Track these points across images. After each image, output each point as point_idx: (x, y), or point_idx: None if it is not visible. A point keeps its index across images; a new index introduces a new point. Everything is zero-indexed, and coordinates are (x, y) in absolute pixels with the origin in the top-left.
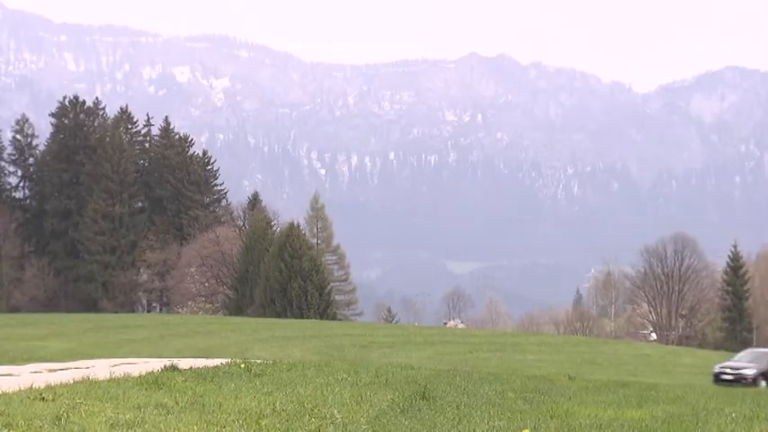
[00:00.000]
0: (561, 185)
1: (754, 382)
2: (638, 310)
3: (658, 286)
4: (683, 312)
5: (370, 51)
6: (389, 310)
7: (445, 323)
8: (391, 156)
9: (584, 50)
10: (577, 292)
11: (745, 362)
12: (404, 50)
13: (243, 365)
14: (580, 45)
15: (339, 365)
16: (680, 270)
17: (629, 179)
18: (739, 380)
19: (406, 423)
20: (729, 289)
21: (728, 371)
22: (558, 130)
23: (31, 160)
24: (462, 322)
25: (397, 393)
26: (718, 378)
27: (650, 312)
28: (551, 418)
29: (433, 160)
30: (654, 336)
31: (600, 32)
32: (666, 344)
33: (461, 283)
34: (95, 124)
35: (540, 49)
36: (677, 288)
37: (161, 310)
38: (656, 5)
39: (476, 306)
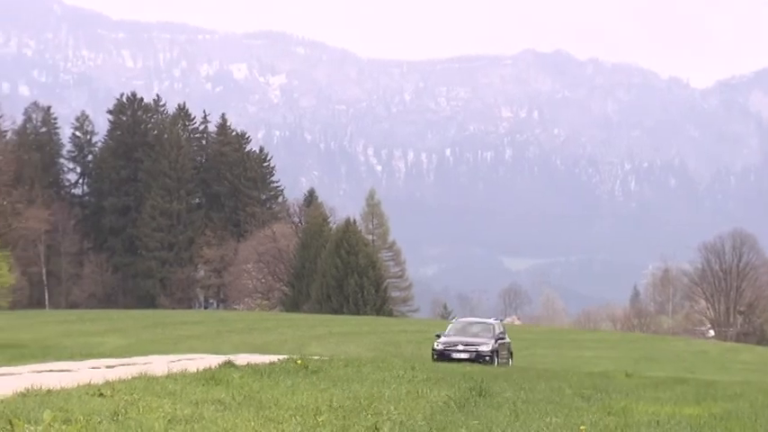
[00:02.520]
0: (618, 182)
1: None
2: (695, 307)
3: (716, 283)
4: (742, 309)
5: (426, 48)
6: (445, 307)
7: (501, 319)
8: (447, 152)
9: (642, 46)
10: (635, 288)
11: None
12: (460, 47)
13: (299, 362)
14: (637, 41)
15: (395, 362)
16: (738, 266)
17: (687, 175)
18: None
19: (463, 420)
20: None
21: None
22: (615, 126)
23: (89, 157)
24: (519, 319)
25: (453, 390)
26: None
27: (708, 309)
28: (609, 414)
29: (489, 156)
30: (712, 332)
31: (657, 28)
32: (724, 340)
33: (518, 280)
34: (153, 121)
35: (598, 45)
36: (735, 284)
37: (218, 306)
38: (714, 0)
39: (532, 303)
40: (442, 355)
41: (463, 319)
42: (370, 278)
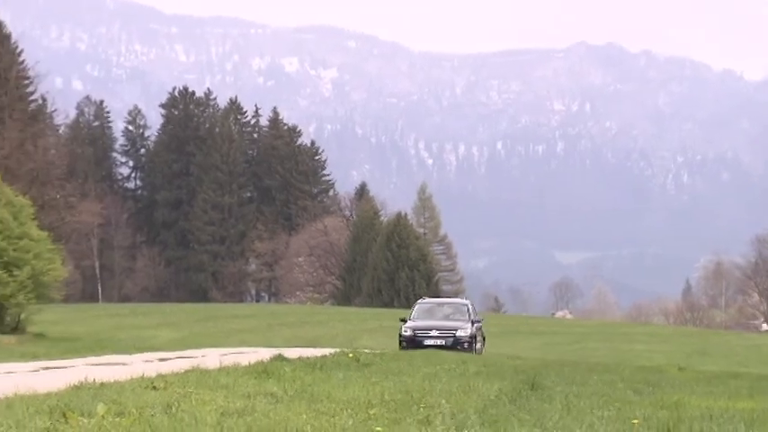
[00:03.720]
0: (671, 175)
1: None
2: (748, 301)
3: None
4: None
5: (478, 41)
6: (497, 300)
7: (553, 313)
8: (499, 145)
9: (695, 38)
10: (687, 282)
11: None
12: (512, 40)
13: (351, 355)
14: (690, 33)
15: (446, 355)
16: None
17: (740, 168)
18: None
19: (515, 413)
20: None
21: None
22: (667, 119)
23: (142, 151)
24: (570, 312)
25: (504, 383)
26: None
27: (761, 303)
28: (661, 408)
29: (540, 150)
30: (765, 326)
31: (711, 20)
32: None
33: (569, 273)
34: (205, 115)
35: (650, 38)
36: None
37: (269, 299)
38: None
39: (584, 296)
40: (413, 342)
41: (430, 300)
42: (421, 272)
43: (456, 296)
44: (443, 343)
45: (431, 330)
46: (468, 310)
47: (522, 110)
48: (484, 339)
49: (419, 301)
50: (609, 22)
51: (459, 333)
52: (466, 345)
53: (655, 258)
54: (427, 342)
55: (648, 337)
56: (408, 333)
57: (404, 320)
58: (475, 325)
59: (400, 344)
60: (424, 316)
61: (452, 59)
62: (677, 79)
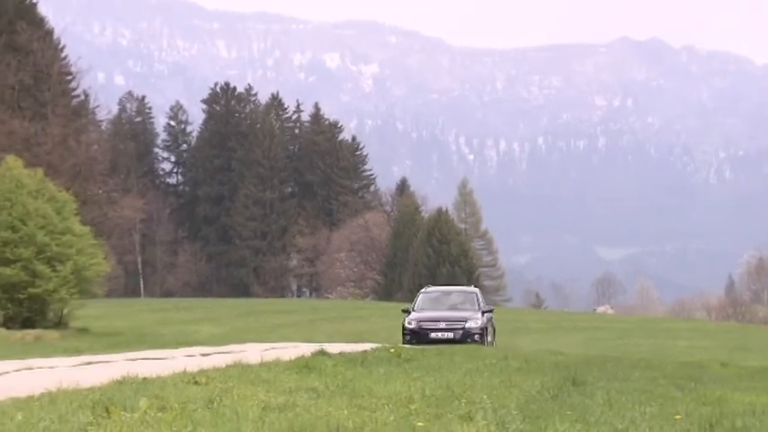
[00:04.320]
0: (713, 170)
1: None
2: None
3: None
4: None
5: (519, 36)
6: (538, 296)
7: (595, 309)
8: (540, 141)
9: (737, 33)
10: (729, 277)
11: None
12: (554, 35)
13: (392, 350)
14: (733, 28)
15: (488, 351)
16: None
17: None
18: None
19: (556, 409)
20: None
21: None
22: (710, 114)
23: (184, 146)
24: (612, 308)
25: (546, 379)
26: None
27: None
28: (704, 404)
29: (582, 145)
30: None
31: (753, 15)
32: None
33: (611, 269)
34: (246, 111)
35: (692, 33)
36: None
37: (310, 295)
38: None
39: (626, 292)
40: (417, 336)
41: (436, 288)
42: (462, 267)
43: (497, 292)
44: (452, 336)
45: (438, 322)
46: (477, 298)
47: (563, 105)
48: (494, 331)
49: (423, 289)
50: (651, 17)
51: (468, 324)
52: (477, 337)
53: (697, 254)
54: (434, 335)
55: (691, 332)
56: (413, 326)
57: (407, 311)
58: (485, 315)
59: (404, 337)
60: (429, 306)
61: (493, 55)
62: (720, 74)
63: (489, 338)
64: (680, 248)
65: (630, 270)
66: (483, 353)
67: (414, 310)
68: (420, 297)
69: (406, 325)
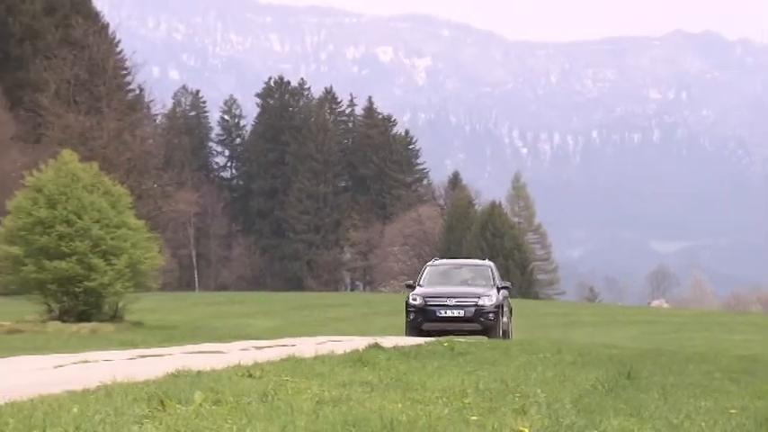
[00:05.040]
0: None
1: None
2: None
3: None
4: None
5: (573, 29)
6: (592, 290)
7: (649, 303)
8: (594, 134)
9: None
10: None
11: None
12: (608, 28)
13: (446, 344)
14: None
15: (542, 344)
16: None
17: None
18: None
19: (611, 403)
20: None
21: None
22: (764, 107)
23: (237, 140)
24: (666, 302)
25: (600, 373)
26: None
27: None
28: (759, 398)
29: (636, 138)
30: None
31: None
32: None
33: (665, 262)
34: (300, 104)
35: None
36: None
37: (364, 288)
38: None
39: (680, 285)
40: (424, 314)
41: (444, 261)
42: (515, 261)
43: (550, 286)
44: (462, 314)
45: (447, 299)
46: (491, 273)
47: (617, 98)
48: (511, 312)
49: (430, 262)
50: (705, 10)
51: (482, 301)
52: (490, 317)
53: (752, 247)
54: (442, 313)
55: (746, 326)
56: (418, 302)
57: (411, 287)
58: (501, 292)
59: (407, 315)
60: (437, 280)
61: (547, 48)
62: None
63: (504, 319)
64: (734, 242)
65: (685, 264)
66: (536, 346)
67: (419, 285)
68: (426, 270)
69: (411, 301)
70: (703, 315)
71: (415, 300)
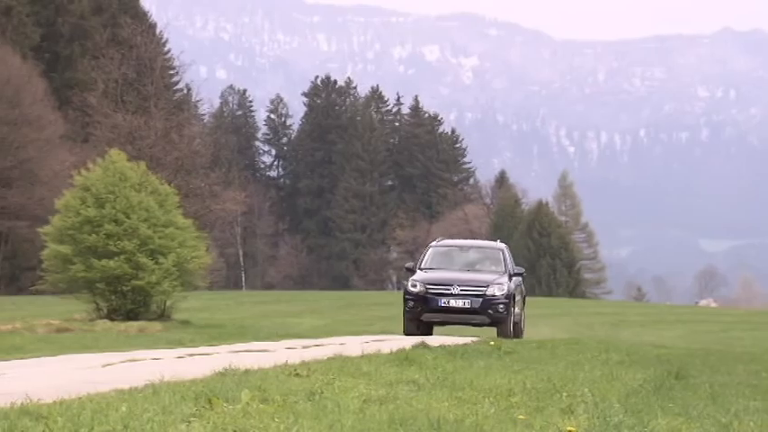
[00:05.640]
0: None
1: None
2: None
3: None
4: None
5: (620, 28)
6: (639, 289)
7: (697, 302)
8: (642, 133)
9: None
10: None
11: None
12: (656, 26)
13: (493, 343)
14: None
15: (589, 344)
16: None
17: None
18: None
19: (659, 402)
20: None
21: None
22: None
23: (284, 140)
24: (715, 301)
25: (648, 372)
26: None
27: None
28: None
29: (684, 137)
30: None
31: None
32: None
33: (714, 262)
34: (347, 104)
35: None
36: None
37: None
38: None
39: (729, 285)
40: (424, 302)
41: (449, 241)
42: (562, 260)
43: (597, 285)
44: (468, 305)
45: (450, 286)
46: (503, 256)
47: (665, 97)
48: (524, 302)
49: (433, 242)
50: (753, 8)
51: (491, 290)
52: (501, 308)
53: None
54: (444, 302)
55: None
56: (418, 289)
57: (410, 270)
58: (513, 280)
59: (405, 304)
60: (440, 263)
61: (595, 46)
62: None
63: (517, 310)
64: None
65: (733, 263)
66: (584, 345)
67: (420, 269)
68: (429, 252)
69: (410, 288)
70: (752, 314)
71: (414, 286)
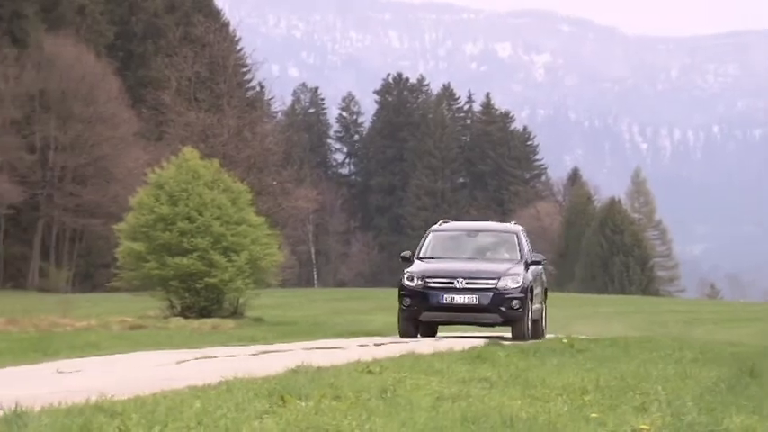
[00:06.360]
0: None
1: None
2: None
3: None
4: None
5: (694, 23)
6: (713, 287)
7: None
8: (715, 129)
9: None
10: None
11: None
12: (730, 22)
13: (565, 341)
14: None
15: (662, 341)
16: None
17: None
18: None
19: (733, 400)
20: None
21: None
22: None
23: (356, 137)
24: None
25: (722, 370)
26: None
27: None
28: None
29: (758, 134)
30: None
31: None
32: None
33: None
34: (418, 101)
35: None
36: None
37: None
38: None
39: None
40: (423, 299)
41: (454, 224)
42: (635, 257)
43: (670, 283)
44: (475, 301)
45: (454, 279)
46: (518, 240)
47: (739, 93)
48: (545, 295)
49: (435, 226)
50: None
51: (503, 283)
52: (516, 304)
53: None
54: (446, 299)
55: None
56: (415, 283)
57: (407, 259)
58: (531, 269)
59: (401, 300)
60: (443, 252)
61: (668, 43)
62: None
63: (536, 305)
64: None
65: None
66: (657, 343)
67: (418, 258)
68: (430, 238)
69: (406, 282)
70: None
71: (411, 279)
